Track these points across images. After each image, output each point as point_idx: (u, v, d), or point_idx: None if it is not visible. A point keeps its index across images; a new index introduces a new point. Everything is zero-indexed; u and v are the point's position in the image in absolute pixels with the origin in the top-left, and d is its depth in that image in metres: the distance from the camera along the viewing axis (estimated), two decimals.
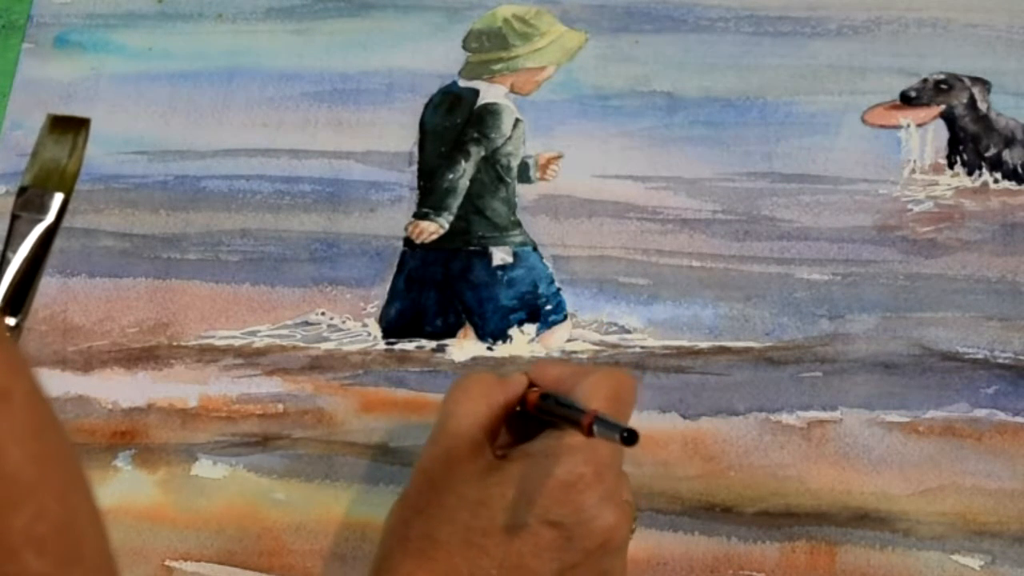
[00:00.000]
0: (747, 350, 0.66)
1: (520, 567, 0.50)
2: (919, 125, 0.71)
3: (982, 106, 0.72)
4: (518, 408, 0.55)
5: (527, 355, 0.66)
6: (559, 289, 0.68)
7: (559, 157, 0.71)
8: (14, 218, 0.68)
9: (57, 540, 0.38)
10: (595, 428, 0.49)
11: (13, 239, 0.67)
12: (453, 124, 0.72)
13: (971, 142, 0.71)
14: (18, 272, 0.66)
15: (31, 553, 0.37)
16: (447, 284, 0.68)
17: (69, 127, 0.72)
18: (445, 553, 0.51)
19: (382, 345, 0.67)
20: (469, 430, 0.53)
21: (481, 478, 0.52)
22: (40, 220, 0.68)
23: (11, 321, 0.66)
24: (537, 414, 0.54)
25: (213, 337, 0.67)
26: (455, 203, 0.70)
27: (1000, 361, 0.65)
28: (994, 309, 0.66)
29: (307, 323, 0.67)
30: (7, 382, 0.39)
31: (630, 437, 0.47)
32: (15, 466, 0.38)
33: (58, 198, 0.69)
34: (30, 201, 0.69)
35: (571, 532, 0.50)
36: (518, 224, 0.70)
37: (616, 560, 0.52)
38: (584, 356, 0.66)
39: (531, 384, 0.56)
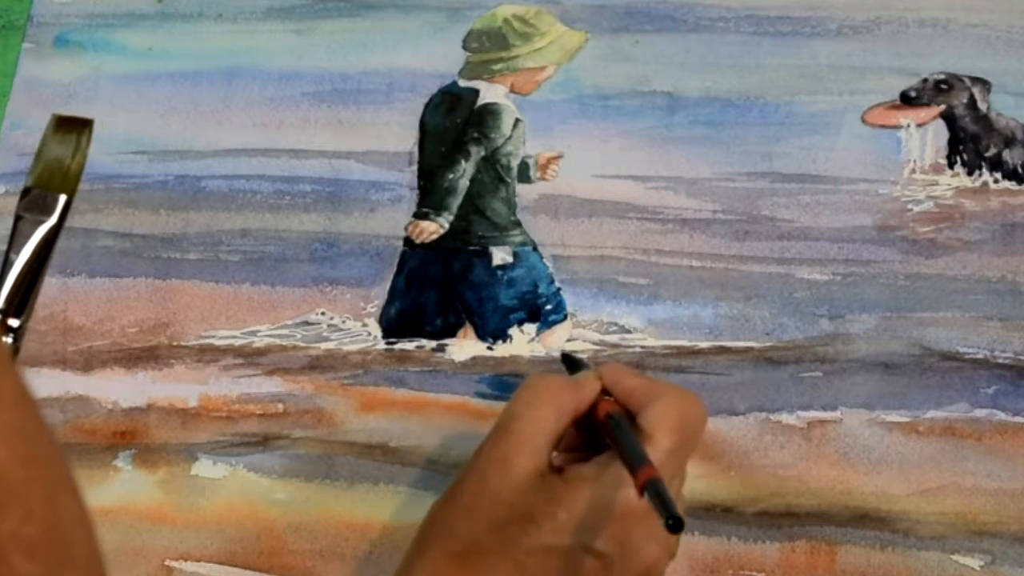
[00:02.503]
0: (747, 350, 0.66)
1: None
2: (919, 125, 0.71)
3: (982, 106, 0.72)
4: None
5: (527, 355, 0.66)
6: (559, 289, 0.68)
7: (559, 157, 0.71)
8: (18, 219, 0.68)
9: (46, 542, 0.38)
10: (646, 494, 0.47)
11: (16, 240, 0.67)
12: (453, 124, 0.72)
13: (971, 142, 0.71)
14: (21, 273, 0.66)
15: (20, 556, 0.37)
16: (447, 284, 0.68)
17: (73, 128, 0.72)
18: (486, 562, 0.51)
19: (382, 345, 0.67)
20: (533, 438, 0.52)
21: (535, 492, 0.51)
22: (43, 221, 0.68)
23: (14, 323, 0.66)
24: (603, 433, 0.53)
25: (213, 337, 0.67)
26: (455, 203, 0.70)
27: (1000, 361, 0.65)
28: (994, 309, 0.66)
29: (307, 323, 0.67)
30: None
31: (675, 526, 0.45)
32: (2, 468, 0.38)
33: (61, 199, 0.69)
34: (33, 202, 0.69)
35: (612, 563, 0.50)
36: (518, 224, 0.70)
37: None
38: (584, 356, 0.66)
39: (604, 391, 0.55)
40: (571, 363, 0.60)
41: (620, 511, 0.50)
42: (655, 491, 0.47)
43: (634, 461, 0.49)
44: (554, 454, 0.53)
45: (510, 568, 0.50)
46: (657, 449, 0.51)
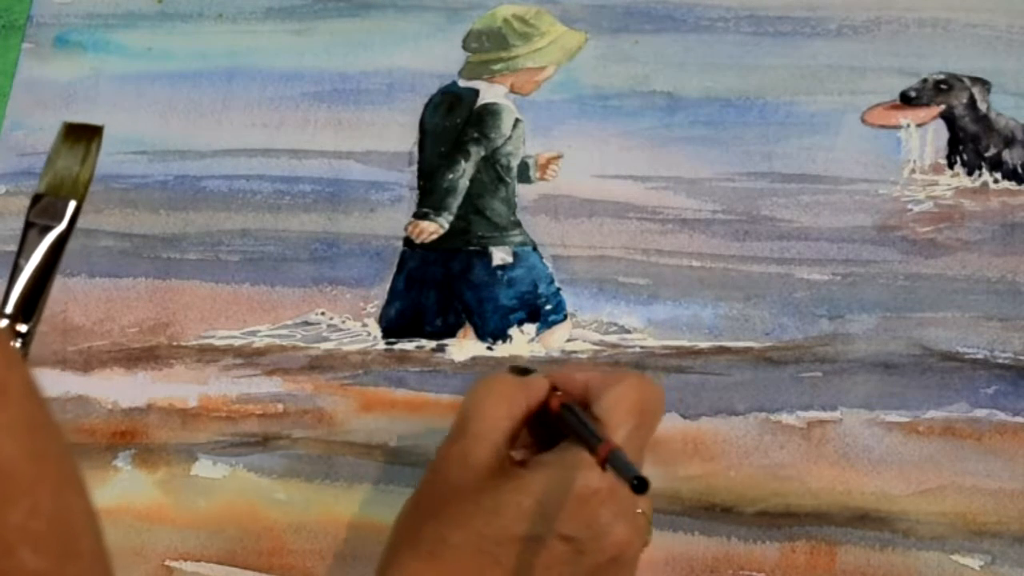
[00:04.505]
0: (747, 350, 0.66)
1: None
2: (919, 125, 0.71)
3: (982, 106, 0.72)
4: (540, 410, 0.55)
5: (527, 355, 0.66)
6: (559, 289, 0.68)
7: (559, 157, 0.71)
8: (28, 225, 0.68)
9: (53, 536, 0.38)
10: (608, 465, 0.48)
11: (27, 246, 0.67)
12: (453, 124, 0.72)
13: (971, 142, 0.71)
14: (30, 279, 0.67)
15: (27, 549, 0.37)
16: (447, 284, 0.68)
17: (83, 135, 0.72)
18: (455, 558, 0.51)
19: (382, 345, 0.67)
20: (489, 434, 0.53)
21: (497, 485, 0.52)
22: (53, 227, 0.68)
23: (22, 328, 0.66)
24: (558, 424, 0.54)
25: (213, 337, 0.67)
26: (455, 203, 0.70)
27: (1000, 361, 0.65)
28: (994, 309, 0.66)
29: (307, 323, 0.68)
30: (2, 376, 0.39)
31: (640, 485, 0.45)
32: (10, 461, 0.38)
33: (71, 205, 0.69)
34: (44, 209, 0.69)
35: (583, 546, 0.50)
36: (518, 224, 0.70)
37: (625, 574, 0.52)
38: (584, 356, 0.66)
39: (554, 388, 0.55)
40: (520, 371, 0.60)
41: (584, 493, 0.50)
42: (617, 460, 0.47)
43: (592, 440, 0.49)
44: (513, 452, 0.54)
45: (483, 561, 0.50)
46: (615, 433, 0.51)
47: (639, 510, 0.53)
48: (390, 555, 0.53)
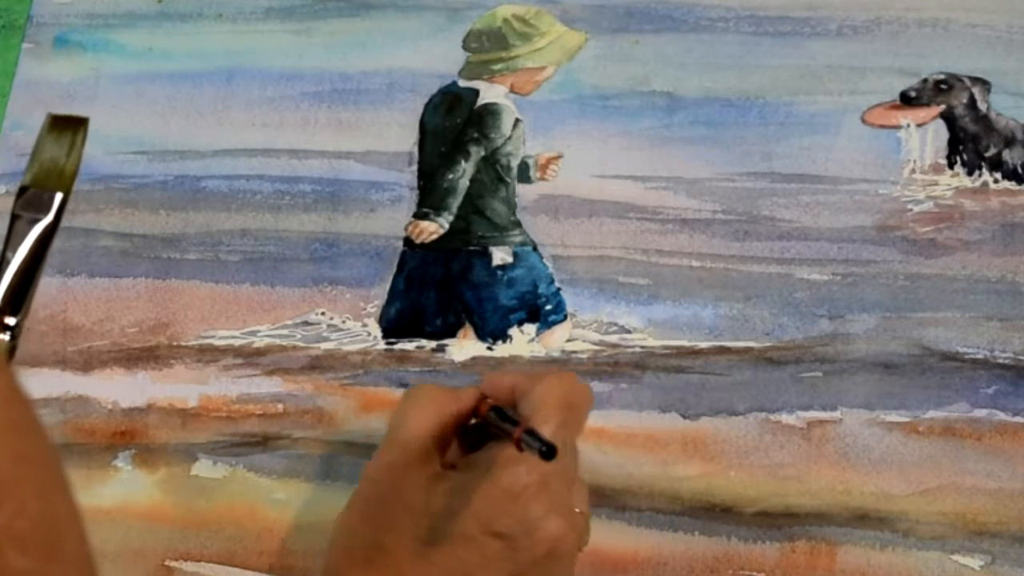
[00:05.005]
0: (747, 350, 0.66)
1: None
2: (919, 125, 0.71)
3: (982, 106, 0.72)
4: (472, 421, 0.55)
5: (527, 355, 0.66)
6: (559, 289, 0.68)
7: (559, 157, 0.71)
8: (14, 218, 0.68)
9: (38, 537, 0.38)
10: (522, 443, 0.49)
11: (13, 239, 0.67)
12: (453, 124, 0.72)
13: (971, 142, 0.71)
14: (18, 271, 0.66)
15: (12, 550, 0.37)
16: (447, 284, 0.68)
17: (68, 126, 0.72)
18: (392, 562, 0.51)
19: (382, 345, 0.67)
20: (419, 439, 0.53)
21: (428, 488, 0.52)
22: (40, 219, 0.68)
23: (11, 320, 0.66)
24: (487, 428, 0.54)
25: (213, 337, 0.67)
26: (455, 203, 0.70)
27: (1000, 361, 0.65)
28: (994, 309, 0.66)
29: (307, 323, 0.68)
30: None
31: (548, 452, 0.48)
32: None
33: (58, 197, 0.69)
34: (30, 201, 0.69)
35: (516, 542, 0.50)
36: (518, 224, 0.70)
37: (563, 569, 0.52)
38: (584, 356, 0.66)
39: (484, 396, 0.56)
40: None
41: (514, 489, 0.50)
42: (528, 436, 0.49)
43: (510, 429, 0.51)
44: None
45: (419, 564, 0.50)
46: (542, 427, 0.51)
47: (577, 509, 0.53)
48: (328, 565, 0.53)
